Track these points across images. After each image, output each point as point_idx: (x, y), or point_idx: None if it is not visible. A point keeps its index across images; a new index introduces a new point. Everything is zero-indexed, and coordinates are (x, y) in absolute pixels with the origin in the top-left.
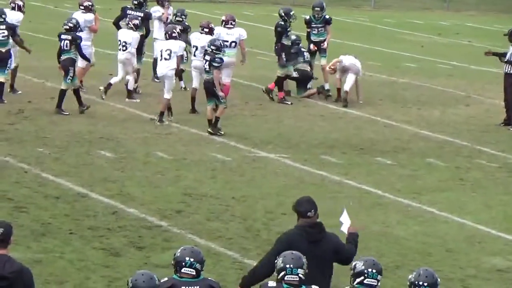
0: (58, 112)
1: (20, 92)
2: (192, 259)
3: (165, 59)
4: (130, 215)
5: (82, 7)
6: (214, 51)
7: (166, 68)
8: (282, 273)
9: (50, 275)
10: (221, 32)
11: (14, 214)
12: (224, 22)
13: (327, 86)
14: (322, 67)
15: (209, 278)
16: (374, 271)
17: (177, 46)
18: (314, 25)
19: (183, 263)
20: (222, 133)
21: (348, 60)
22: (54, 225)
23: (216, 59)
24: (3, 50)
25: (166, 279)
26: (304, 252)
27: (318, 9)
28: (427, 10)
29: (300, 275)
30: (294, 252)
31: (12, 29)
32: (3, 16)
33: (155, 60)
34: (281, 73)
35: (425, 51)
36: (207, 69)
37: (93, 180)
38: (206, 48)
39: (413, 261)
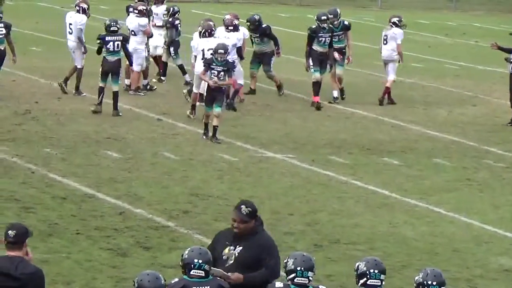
0: (117, 114)
1: (84, 94)
2: (200, 261)
3: None
4: (137, 215)
5: (137, 11)
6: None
7: None
8: (293, 275)
9: (57, 275)
10: (219, 35)
11: (22, 214)
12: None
13: (335, 94)
14: (337, 75)
15: (218, 278)
16: (376, 271)
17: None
18: (335, 33)
19: (192, 265)
20: (203, 137)
21: (385, 51)
22: (61, 225)
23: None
24: (1, 48)
25: (176, 279)
26: None
27: (332, 16)
28: (433, 10)
29: (310, 277)
30: (305, 254)
31: (9, 27)
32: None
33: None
34: (314, 79)
35: (432, 51)
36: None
37: (100, 180)
38: None
39: (420, 261)
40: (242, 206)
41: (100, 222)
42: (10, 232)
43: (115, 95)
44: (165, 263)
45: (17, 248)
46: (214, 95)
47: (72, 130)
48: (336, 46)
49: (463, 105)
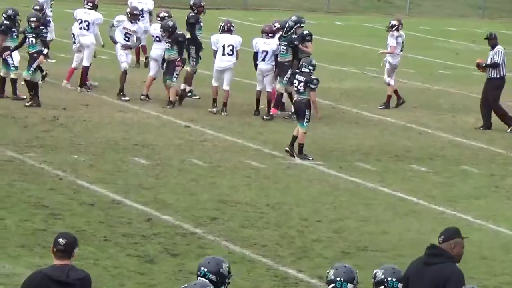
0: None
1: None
2: (206, 269)
3: (228, 54)
4: (164, 222)
5: (158, 18)
6: (312, 71)
7: (228, 62)
8: (332, 285)
9: None
10: (258, 42)
11: (49, 221)
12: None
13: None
14: (276, 90)
15: None
16: (394, 279)
17: (237, 41)
18: (281, 44)
19: (198, 272)
20: (310, 158)
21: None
22: (89, 232)
23: (314, 81)
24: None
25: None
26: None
27: (280, 26)
28: (461, 17)
29: None
30: (347, 265)
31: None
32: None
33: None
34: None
35: (460, 58)
36: (301, 90)
37: (127, 187)
38: (302, 68)
39: None
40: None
41: (128, 229)
42: (60, 240)
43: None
44: (193, 270)
45: (66, 257)
46: (303, 112)
47: (100, 137)
48: (280, 58)
49: None
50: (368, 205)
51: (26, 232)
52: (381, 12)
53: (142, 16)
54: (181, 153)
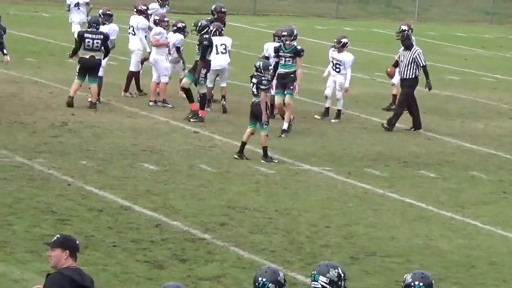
0: None
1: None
2: (264, 279)
3: (222, 53)
4: (173, 227)
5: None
6: (261, 72)
7: (223, 61)
8: (310, 279)
9: None
10: (269, 47)
11: (58, 226)
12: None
13: (285, 126)
14: (285, 104)
15: None
16: (421, 284)
17: (229, 41)
18: (281, 54)
19: (256, 283)
20: (276, 161)
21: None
22: (98, 237)
23: (263, 82)
24: None
25: None
26: None
27: (286, 33)
28: (470, 22)
29: (321, 282)
30: (326, 261)
31: None
32: None
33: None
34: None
35: (469, 64)
36: (255, 92)
37: (136, 192)
38: (257, 70)
39: (457, 274)
40: None
41: (137, 235)
42: (78, 241)
43: None
44: (201, 275)
45: (75, 259)
46: (259, 114)
47: (109, 143)
48: (281, 70)
49: (499, 118)
50: (376, 211)
51: (34, 237)
52: (390, 17)
53: (78, 8)
54: (190, 158)
